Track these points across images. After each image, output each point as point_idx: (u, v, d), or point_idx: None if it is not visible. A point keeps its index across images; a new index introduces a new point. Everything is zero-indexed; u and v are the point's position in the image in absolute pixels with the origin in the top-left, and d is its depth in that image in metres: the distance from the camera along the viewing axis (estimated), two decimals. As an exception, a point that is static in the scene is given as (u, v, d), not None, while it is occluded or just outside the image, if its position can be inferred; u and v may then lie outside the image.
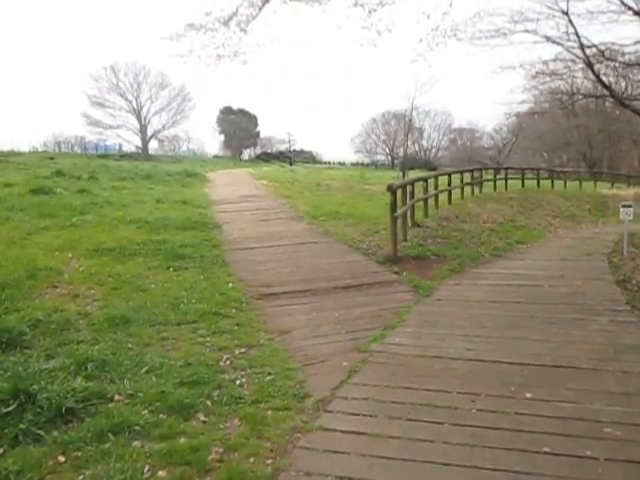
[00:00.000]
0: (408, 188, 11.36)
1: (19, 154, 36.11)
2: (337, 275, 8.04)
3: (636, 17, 16.61)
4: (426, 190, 13.51)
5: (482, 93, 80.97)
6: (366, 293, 7.30)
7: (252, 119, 65.04)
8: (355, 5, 9.03)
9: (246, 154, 68.00)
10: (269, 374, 4.58)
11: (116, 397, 4.03)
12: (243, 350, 5.13)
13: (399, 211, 9.87)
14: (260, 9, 8.40)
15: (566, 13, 15.55)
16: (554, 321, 6.09)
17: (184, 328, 5.68)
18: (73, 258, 8.14)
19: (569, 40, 15.96)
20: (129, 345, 5.07)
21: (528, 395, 4.13)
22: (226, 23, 8.43)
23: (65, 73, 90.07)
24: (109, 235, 9.62)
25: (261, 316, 6.26)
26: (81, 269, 7.61)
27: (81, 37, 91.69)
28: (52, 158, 31.94)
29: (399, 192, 10.27)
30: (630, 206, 10.96)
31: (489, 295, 7.40)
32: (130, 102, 53.76)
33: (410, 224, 11.56)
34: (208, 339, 5.38)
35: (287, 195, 17.66)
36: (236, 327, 5.76)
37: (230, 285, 7.38)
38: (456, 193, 16.84)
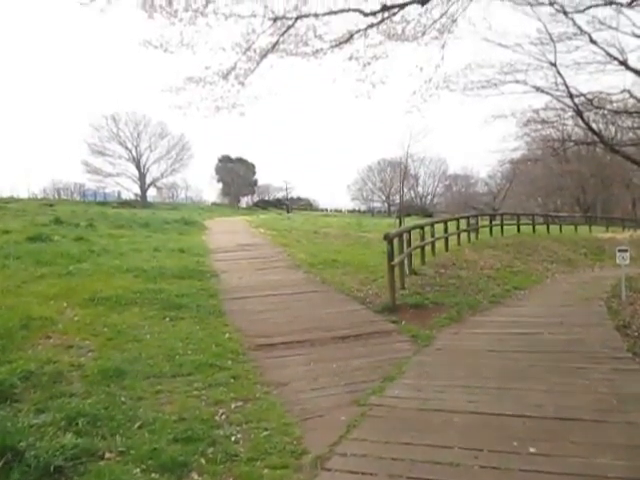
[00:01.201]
0: (405, 236, 11.41)
1: (18, 200, 36.42)
2: (335, 325, 7.97)
3: (621, 67, 17.11)
4: (423, 238, 13.56)
5: (476, 140, 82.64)
6: (364, 343, 7.20)
7: (250, 167, 66.02)
8: (350, 59, 9.28)
9: (244, 202, 68.70)
10: (265, 429, 4.46)
11: (107, 454, 3.91)
12: (239, 404, 5.02)
13: (396, 260, 9.88)
14: (258, 63, 8.64)
15: (554, 64, 15.99)
16: (555, 370, 6.00)
17: (179, 380, 5.57)
18: (68, 307, 8.06)
19: (558, 90, 16.34)
20: (122, 399, 4.95)
21: (532, 450, 4.02)
22: (225, 77, 8.64)
23: (66, 121, 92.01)
24: (105, 284, 9.58)
25: (258, 368, 6.15)
26: (76, 319, 7.53)
27: (82, 86, 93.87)
28: (51, 205, 32.18)
29: (396, 241, 10.31)
30: (626, 250, 10.99)
31: (489, 344, 7.31)
32: (130, 151, 54.62)
33: (407, 272, 11.54)
34: (203, 392, 5.27)
35: (284, 243, 17.71)
36: (232, 379, 5.65)
37: (227, 335, 7.29)
38: (452, 240, 16.91)
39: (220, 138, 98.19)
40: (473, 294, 10.96)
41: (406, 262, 11.54)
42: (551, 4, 13.74)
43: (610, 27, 15.49)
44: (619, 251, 11.07)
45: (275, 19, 8.09)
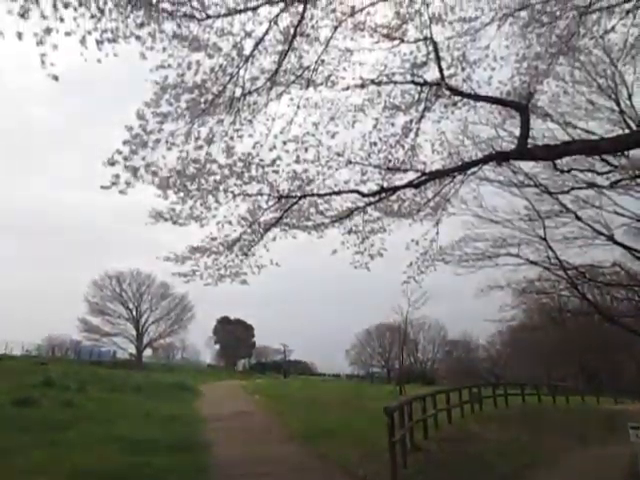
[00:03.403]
0: (405, 409, 10.99)
1: (11, 358, 35.72)
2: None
3: (609, 242, 18.01)
4: (424, 410, 13.05)
5: (474, 306, 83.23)
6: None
7: (248, 329, 65.90)
8: (349, 232, 9.76)
9: (241, 364, 67.45)
10: None
11: None
12: None
13: (397, 436, 9.41)
14: (262, 236, 9.09)
15: (544, 239, 16.91)
16: None
17: None
18: (44, 485, 7.51)
19: (551, 263, 17.09)
20: None
21: None
22: (230, 247, 9.04)
23: (66, 276, 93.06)
24: (89, 456, 9.05)
25: None
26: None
27: (87, 243, 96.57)
28: (43, 364, 31.48)
29: (397, 414, 9.91)
30: (639, 427, 10.48)
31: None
32: (130, 310, 54.91)
33: (409, 447, 10.92)
34: None
35: (280, 411, 17.03)
36: None
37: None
38: (456, 411, 16.26)
39: (221, 298, 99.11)
40: (481, 474, 10.24)
41: (408, 437, 10.97)
42: (536, 185, 14.94)
43: (594, 206, 16.67)
44: (632, 428, 10.57)
45: (280, 197, 8.71)
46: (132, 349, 55.21)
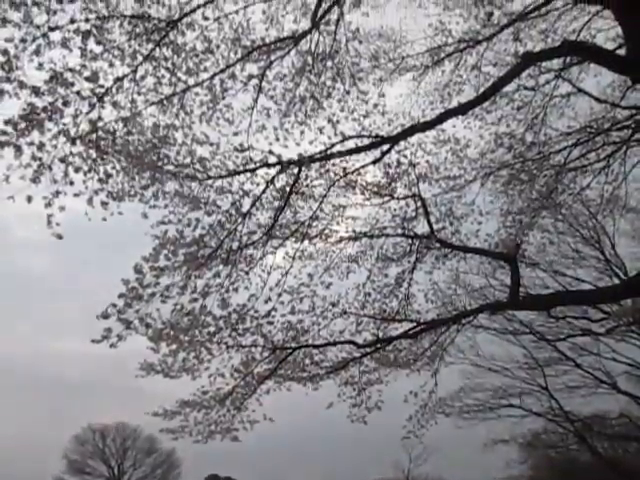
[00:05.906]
0: None
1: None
2: None
3: (613, 390, 17.50)
4: None
5: (480, 461, 77.96)
6: None
7: (239, 489, 60.89)
8: (345, 384, 9.52)
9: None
10: None
11: None
12: None
13: None
14: (255, 388, 8.80)
15: (546, 388, 16.46)
16: None
17: None
18: None
19: (555, 414, 16.47)
20: None
21: None
22: (221, 401, 8.70)
23: (45, 432, 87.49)
24: None
25: None
26: None
27: (69, 395, 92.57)
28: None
29: None
30: None
31: None
32: (112, 468, 50.96)
33: None
34: None
35: None
36: None
37: None
38: None
39: (210, 453, 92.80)
40: None
41: None
42: (532, 333, 14.89)
43: (592, 353, 16.47)
44: None
45: (274, 349, 8.56)
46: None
